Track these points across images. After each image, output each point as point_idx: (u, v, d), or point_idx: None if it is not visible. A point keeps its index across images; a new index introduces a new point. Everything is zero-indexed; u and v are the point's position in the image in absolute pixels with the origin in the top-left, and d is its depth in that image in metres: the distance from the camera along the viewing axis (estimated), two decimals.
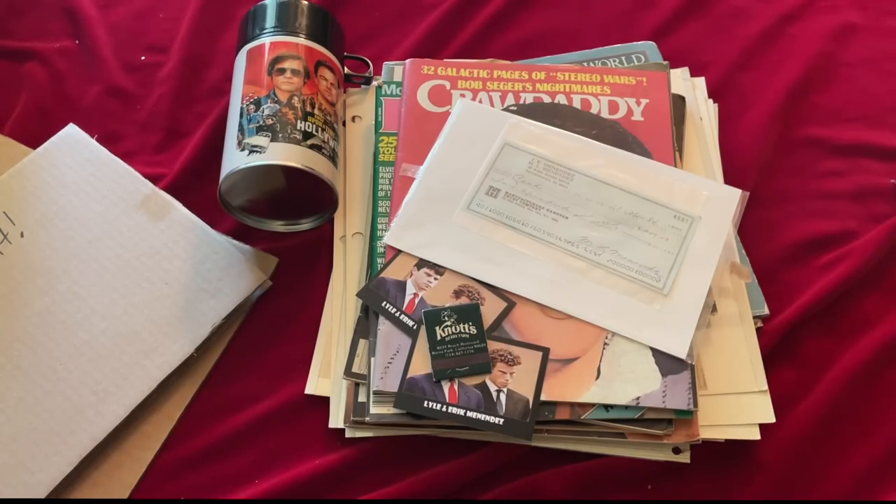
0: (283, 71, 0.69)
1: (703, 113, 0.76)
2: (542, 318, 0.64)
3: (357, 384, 0.64)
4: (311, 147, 0.67)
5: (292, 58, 0.70)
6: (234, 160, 0.66)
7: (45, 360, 0.65)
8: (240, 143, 0.67)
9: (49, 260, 0.69)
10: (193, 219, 0.71)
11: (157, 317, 0.67)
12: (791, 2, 0.85)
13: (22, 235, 0.69)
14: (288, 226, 0.72)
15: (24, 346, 0.66)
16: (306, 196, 0.70)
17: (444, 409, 0.61)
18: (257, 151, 0.66)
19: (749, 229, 0.72)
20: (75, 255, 0.69)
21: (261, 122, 0.67)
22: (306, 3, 0.74)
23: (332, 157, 0.69)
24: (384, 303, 0.65)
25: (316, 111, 0.69)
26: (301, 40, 0.71)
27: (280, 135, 0.66)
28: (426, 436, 0.63)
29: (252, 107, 0.68)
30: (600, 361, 0.62)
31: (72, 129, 0.74)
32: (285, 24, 0.72)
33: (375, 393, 0.62)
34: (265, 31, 0.72)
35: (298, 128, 0.67)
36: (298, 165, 0.66)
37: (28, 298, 0.67)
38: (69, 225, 0.70)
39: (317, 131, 0.68)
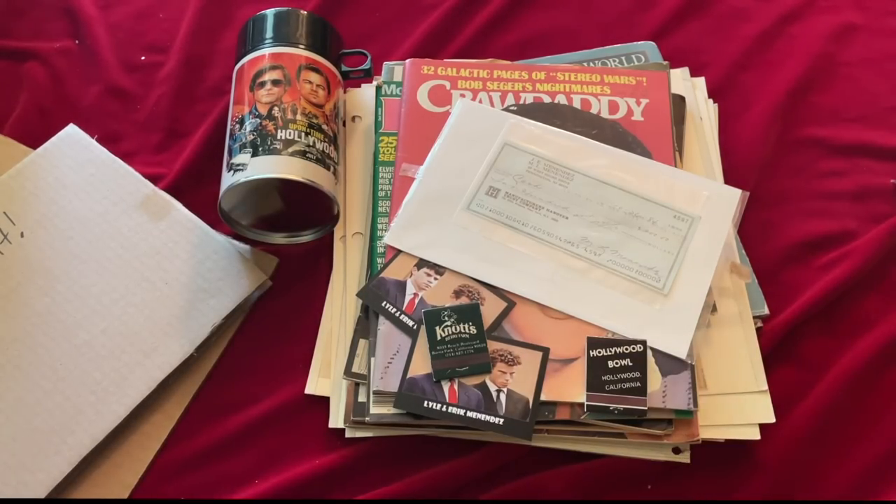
0: (263, 84, 0.69)
1: (703, 113, 0.76)
2: (542, 318, 0.64)
3: (357, 384, 0.64)
4: (294, 154, 0.66)
5: (271, 69, 0.70)
6: (223, 183, 0.67)
7: (45, 360, 0.65)
8: (228, 164, 0.67)
9: (49, 260, 0.69)
10: (193, 219, 0.71)
11: (157, 317, 0.67)
12: (791, 2, 0.85)
13: (22, 235, 0.69)
14: (290, 238, 0.72)
15: (24, 346, 0.66)
16: (306, 203, 0.69)
17: (444, 409, 0.61)
18: (240, 170, 0.65)
19: (749, 229, 0.72)
20: (75, 255, 0.69)
21: (244, 140, 0.66)
22: (274, 10, 0.73)
23: (321, 160, 0.67)
24: (384, 303, 0.65)
25: (298, 116, 0.68)
26: (277, 49, 0.71)
27: (260, 148, 0.66)
28: (426, 436, 0.63)
29: (237, 126, 0.68)
30: None
31: (72, 130, 0.74)
32: (260, 39, 0.72)
33: (375, 393, 0.62)
34: (246, 51, 0.72)
35: (279, 137, 0.66)
36: (274, 176, 0.65)
37: (28, 298, 0.67)
38: (69, 225, 0.70)
39: (300, 137, 0.67)
